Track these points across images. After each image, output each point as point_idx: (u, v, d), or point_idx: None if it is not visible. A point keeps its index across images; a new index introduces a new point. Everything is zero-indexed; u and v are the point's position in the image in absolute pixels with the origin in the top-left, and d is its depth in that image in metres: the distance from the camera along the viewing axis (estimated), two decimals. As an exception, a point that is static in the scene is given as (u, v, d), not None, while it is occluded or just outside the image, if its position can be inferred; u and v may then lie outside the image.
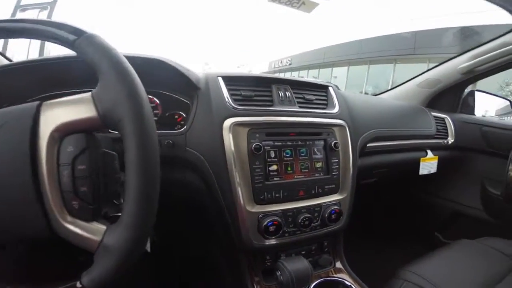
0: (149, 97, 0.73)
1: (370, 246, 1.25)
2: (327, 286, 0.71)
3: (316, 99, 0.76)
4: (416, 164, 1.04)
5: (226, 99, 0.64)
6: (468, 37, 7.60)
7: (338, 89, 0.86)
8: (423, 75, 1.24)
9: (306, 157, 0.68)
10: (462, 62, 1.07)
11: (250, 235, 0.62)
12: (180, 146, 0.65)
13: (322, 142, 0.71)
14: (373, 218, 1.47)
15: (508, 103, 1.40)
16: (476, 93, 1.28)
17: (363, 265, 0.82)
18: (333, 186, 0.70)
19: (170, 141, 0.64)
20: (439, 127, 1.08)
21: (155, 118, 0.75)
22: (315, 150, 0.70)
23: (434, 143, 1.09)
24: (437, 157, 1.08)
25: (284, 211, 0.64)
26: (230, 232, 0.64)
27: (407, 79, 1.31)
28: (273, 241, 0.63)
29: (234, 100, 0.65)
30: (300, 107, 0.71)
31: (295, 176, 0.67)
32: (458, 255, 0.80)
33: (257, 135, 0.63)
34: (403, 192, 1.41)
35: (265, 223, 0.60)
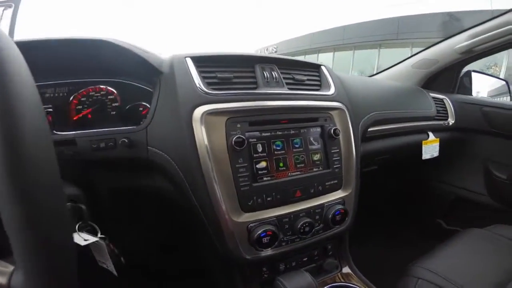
0: (105, 88, 0.62)
1: (372, 238, 1.18)
2: None
3: (308, 80, 0.64)
4: (418, 148, 0.97)
5: (197, 84, 0.51)
6: (449, 22, 7.80)
7: None
8: (418, 55, 1.17)
9: (301, 149, 0.56)
10: (460, 41, 1.03)
11: (240, 247, 0.51)
12: (141, 145, 0.53)
13: (319, 130, 0.59)
14: (374, 208, 1.41)
15: (503, 83, 1.38)
16: (473, 74, 1.24)
17: (368, 261, 0.75)
18: (336, 181, 0.59)
19: (126, 140, 0.52)
20: (438, 108, 1.03)
21: (113, 112, 0.63)
22: (311, 139, 0.58)
23: (435, 124, 1.02)
24: (438, 139, 1.01)
25: (279, 217, 0.52)
26: (216, 246, 0.53)
27: (392, 63, 1.29)
28: (268, 252, 0.53)
29: (208, 84, 0.53)
30: (290, 88, 0.60)
31: (290, 173, 0.55)
32: (470, 247, 0.75)
33: (239, 125, 0.51)
34: (403, 179, 1.36)
35: (257, 234, 0.49)
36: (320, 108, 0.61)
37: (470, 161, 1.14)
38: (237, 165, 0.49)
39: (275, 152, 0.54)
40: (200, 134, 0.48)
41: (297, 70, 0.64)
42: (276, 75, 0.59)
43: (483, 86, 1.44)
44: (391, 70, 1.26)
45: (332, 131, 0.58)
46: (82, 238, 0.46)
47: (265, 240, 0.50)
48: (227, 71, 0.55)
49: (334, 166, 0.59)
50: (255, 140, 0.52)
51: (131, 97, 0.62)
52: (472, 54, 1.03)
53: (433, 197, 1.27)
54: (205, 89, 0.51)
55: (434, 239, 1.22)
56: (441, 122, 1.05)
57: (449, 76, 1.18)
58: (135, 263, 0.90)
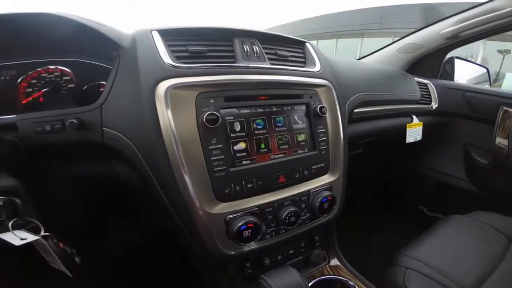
0: (58, 68, 0.56)
1: (354, 225, 1.17)
2: (323, 286, 0.57)
3: (292, 56, 0.58)
4: (402, 131, 0.97)
5: (162, 57, 0.44)
6: (429, 13, 8.09)
7: None
8: (403, 39, 1.17)
9: (285, 128, 0.50)
10: (446, 27, 1.03)
11: (217, 242, 0.44)
12: (94, 127, 0.45)
13: (303, 107, 0.53)
14: (358, 194, 1.43)
15: (484, 71, 1.41)
16: (456, 60, 1.25)
17: (352, 249, 0.74)
18: (322, 165, 0.54)
19: (75, 120, 0.44)
20: (422, 92, 1.04)
21: (69, 94, 0.56)
22: (296, 118, 0.52)
23: (419, 108, 1.02)
24: (422, 123, 1.01)
25: (261, 207, 0.46)
26: (191, 241, 0.47)
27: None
28: (251, 246, 0.47)
29: (177, 58, 0.45)
30: (272, 64, 0.53)
31: (272, 156, 0.48)
32: (453, 234, 0.76)
33: (212, 101, 0.43)
34: (386, 164, 1.36)
35: (237, 227, 0.43)
36: (305, 85, 0.55)
37: (452, 146, 1.15)
38: (210, 147, 0.42)
39: (256, 132, 0.47)
40: (165, 112, 0.41)
41: (280, 45, 0.58)
42: (257, 49, 0.52)
43: (464, 74, 1.48)
44: (377, 54, 1.25)
45: (318, 109, 0.52)
46: (18, 237, 0.38)
47: (246, 233, 0.43)
48: (200, 44, 0.48)
49: (321, 148, 0.54)
50: (232, 118, 0.45)
51: (90, 77, 0.56)
52: (457, 39, 1.04)
53: (415, 183, 1.28)
54: (172, 62, 0.44)
55: (417, 225, 1.25)
56: (425, 106, 1.05)
57: (433, 62, 1.18)
58: (109, 262, 0.83)
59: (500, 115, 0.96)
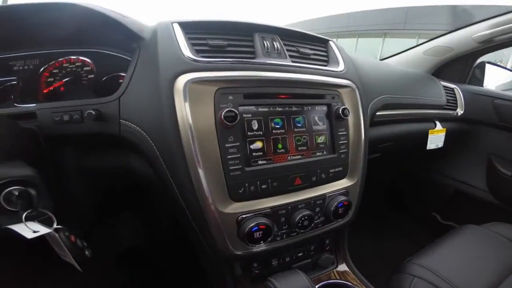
0: (80, 59, 0.56)
1: (366, 229, 1.15)
2: None
3: (314, 54, 0.55)
4: (423, 137, 0.93)
5: (182, 50, 0.43)
6: (459, 16, 7.67)
7: None
8: (431, 42, 1.11)
9: (304, 129, 0.48)
10: (479, 30, 0.99)
11: (227, 241, 0.44)
12: (112, 118, 0.45)
13: (325, 108, 0.51)
14: (371, 197, 1.40)
15: None
16: (487, 65, 1.18)
17: (361, 253, 0.73)
18: (341, 168, 0.52)
19: (93, 112, 0.43)
20: (448, 98, 0.99)
21: (88, 85, 0.56)
22: (316, 119, 0.50)
23: (444, 113, 0.97)
24: (445, 129, 0.97)
25: (274, 209, 0.45)
26: (200, 238, 0.46)
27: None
28: (261, 247, 0.46)
29: (196, 52, 0.44)
30: (293, 61, 0.51)
31: (289, 157, 0.47)
32: (466, 244, 0.73)
33: (231, 97, 0.42)
34: (403, 169, 1.32)
35: (248, 228, 0.42)
36: (328, 85, 0.52)
37: (474, 155, 1.10)
38: (226, 145, 0.41)
39: (273, 131, 0.45)
40: (183, 107, 0.40)
41: (302, 43, 0.55)
42: (278, 45, 0.51)
43: (495, 80, 1.41)
44: (401, 56, 1.20)
45: (340, 111, 0.50)
46: (30, 230, 0.38)
47: (257, 234, 0.43)
48: (221, 38, 0.47)
49: (340, 151, 0.52)
50: (250, 115, 0.44)
51: (110, 68, 0.56)
52: (492, 44, 0.99)
53: (431, 189, 1.24)
54: (192, 56, 0.43)
55: (429, 233, 1.22)
56: (450, 112, 1.00)
57: (461, 66, 1.13)
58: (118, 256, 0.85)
59: (531, 125, 0.91)
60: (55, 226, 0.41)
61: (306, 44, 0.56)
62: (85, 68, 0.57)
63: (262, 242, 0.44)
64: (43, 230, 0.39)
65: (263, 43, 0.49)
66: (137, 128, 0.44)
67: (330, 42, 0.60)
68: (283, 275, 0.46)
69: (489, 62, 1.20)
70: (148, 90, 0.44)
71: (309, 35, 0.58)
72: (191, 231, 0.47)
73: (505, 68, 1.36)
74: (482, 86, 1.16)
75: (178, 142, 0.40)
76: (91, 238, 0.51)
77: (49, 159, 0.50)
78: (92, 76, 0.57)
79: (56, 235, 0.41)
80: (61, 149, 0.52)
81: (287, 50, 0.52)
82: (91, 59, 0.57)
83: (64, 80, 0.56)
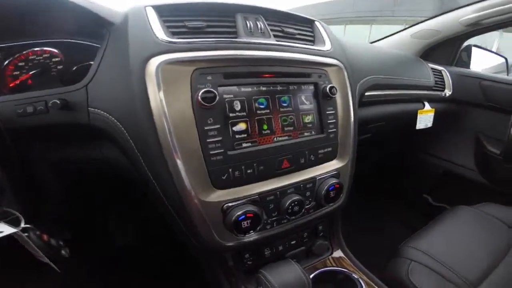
0: (46, 50, 0.54)
1: (358, 212, 1.15)
2: (325, 278, 0.55)
3: (299, 34, 0.53)
4: (413, 117, 0.94)
5: (155, 32, 0.40)
6: (444, 2, 7.78)
7: None
8: (419, 25, 1.12)
9: (290, 109, 0.46)
10: (466, 14, 0.99)
11: (213, 233, 0.41)
12: (79, 107, 0.42)
13: (312, 87, 0.49)
14: (362, 180, 1.42)
15: (502, 61, 1.35)
16: (473, 48, 1.20)
17: (355, 237, 0.72)
18: (330, 149, 0.50)
19: (58, 101, 0.40)
20: (436, 79, 1.00)
21: (58, 76, 0.54)
22: (303, 98, 0.47)
23: (432, 94, 0.99)
24: (434, 109, 0.98)
25: (262, 195, 0.43)
26: (185, 232, 0.44)
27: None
28: (251, 237, 0.44)
29: (172, 34, 0.41)
30: (278, 41, 0.48)
31: (275, 138, 0.44)
32: (460, 226, 0.74)
33: (209, 78, 0.39)
34: (393, 150, 1.34)
35: (234, 217, 0.39)
36: (314, 63, 0.50)
37: (462, 135, 1.12)
38: (205, 128, 0.38)
39: (258, 112, 0.43)
40: (156, 90, 0.37)
41: (287, 23, 0.53)
42: (262, 25, 0.48)
43: (481, 62, 1.44)
44: (389, 39, 1.21)
45: (328, 89, 0.48)
46: None
47: (245, 223, 0.40)
48: (200, 20, 0.43)
49: (329, 131, 0.50)
50: (231, 96, 0.41)
51: (80, 58, 0.54)
52: (478, 27, 1.00)
53: (421, 170, 1.26)
54: (166, 38, 0.40)
55: (422, 215, 1.24)
56: (439, 93, 1.01)
57: (448, 49, 1.15)
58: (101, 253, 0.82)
59: (518, 105, 0.93)
60: (22, 225, 0.38)
61: (291, 24, 0.53)
62: (53, 59, 0.54)
63: (251, 231, 0.41)
64: (8, 230, 0.36)
65: (246, 23, 0.46)
66: (108, 115, 0.41)
67: (316, 22, 0.58)
68: (275, 266, 0.44)
69: (475, 45, 1.21)
70: (118, 76, 0.40)
71: (294, 15, 0.55)
72: (175, 225, 0.44)
73: (491, 51, 1.38)
74: (469, 69, 1.18)
75: (151, 127, 0.37)
76: (76, 238, 0.48)
77: (14, 155, 0.46)
78: (61, 67, 0.54)
79: (23, 235, 0.38)
80: (27, 143, 0.49)
81: (271, 30, 0.49)
82: (59, 49, 0.54)
83: (31, 73, 0.53)
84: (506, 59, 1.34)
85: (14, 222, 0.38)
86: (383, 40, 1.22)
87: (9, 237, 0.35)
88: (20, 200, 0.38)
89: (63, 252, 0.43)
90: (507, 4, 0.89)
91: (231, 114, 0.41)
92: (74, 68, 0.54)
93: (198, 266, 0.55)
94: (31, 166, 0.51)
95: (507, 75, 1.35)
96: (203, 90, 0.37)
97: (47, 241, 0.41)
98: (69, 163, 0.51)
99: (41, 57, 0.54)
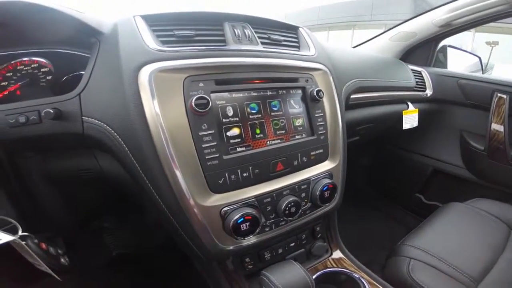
0: (35, 60, 0.54)
1: (352, 214, 1.19)
2: (327, 279, 0.57)
3: (285, 40, 0.57)
4: (399, 118, 0.99)
5: (146, 41, 0.42)
6: (419, 4, 8.40)
7: None
8: (396, 28, 1.19)
9: (281, 113, 0.49)
10: (438, 15, 1.07)
11: (213, 237, 0.43)
12: (73, 116, 0.43)
13: (299, 92, 0.52)
14: (354, 182, 1.44)
15: (476, 60, 1.47)
16: (449, 49, 1.29)
17: (353, 238, 0.74)
18: (321, 150, 0.53)
19: (51, 110, 0.41)
20: (417, 80, 1.07)
21: (47, 86, 0.55)
22: (292, 102, 0.51)
23: (414, 95, 1.05)
24: (417, 109, 1.04)
25: (259, 197, 0.45)
26: (185, 238, 0.45)
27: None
28: (250, 240, 0.46)
29: (162, 43, 0.43)
30: (265, 47, 0.52)
31: (268, 142, 0.47)
32: (454, 222, 0.77)
33: (201, 85, 0.42)
34: (383, 152, 1.39)
35: (233, 220, 0.41)
36: (301, 68, 0.54)
37: (448, 133, 1.18)
38: (200, 133, 0.40)
39: (250, 117, 0.45)
40: (149, 99, 0.39)
41: (273, 30, 0.57)
42: (249, 33, 0.51)
43: (456, 62, 1.55)
44: (370, 42, 1.27)
45: (315, 92, 0.52)
46: None
47: (244, 226, 0.42)
48: (188, 28, 0.46)
49: (319, 133, 0.53)
50: (223, 102, 0.43)
51: (69, 68, 0.55)
52: (450, 28, 1.07)
53: (411, 170, 1.31)
54: (157, 47, 0.42)
55: (415, 214, 1.29)
56: (420, 93, 1.08)
57: (426, 50, 1.22)
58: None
59: (495, 102, 1.00)
60: (20, 233, 0.39)
61: (277, 31, 0.58)
62: (42, 70, 0.55)
63: (250, 234, 0.43)
64: (6, 238, 0.37)
65: (234, 31, 0.50)
66: (102, 124, 0.42)
67: (300, 28, 0.63)
68: (277, 266, 0.46)
69: (450, 46, 1.29)
70: (111, 84, 0.42)
71: (280, 22, 0.60)
72: (175, 232, 0.45)
73: (465, 50, 1.49)
74: (446, 68, 1.26)
75: (147, 134, 0.39)
76: (74, 246, 0.48)
77: (8, 165, 0.46)
78: (50, 77, 0.55)
79: (22, 242, 0.38)
80: (22, 154, 0.49)
81: (258, 37, 0.53)
82: (48, 59, 0.55)
83: (19, 83, 0.54)
84: (479, 58, 1.45)
85: (11, 231, 0.39)
86: (363, 44, 1.29)
87: (8, 245, 0.36)
88: (16, 209, 0.39)
89: (62, 260, 0.44)
90: (474, 4, 0.96)
91: (224, 120, 0.43)
92: (64, 78, 0.56)
93: (200, 275, 0.56)
94: (25, 177, 0.51)
95: (482, 73, 1.47)
96: (196, 97, 0.40)
97: (46, 249, 0.41)
98: (65, 173, 0.52)
99: (30, 67, 0.55)
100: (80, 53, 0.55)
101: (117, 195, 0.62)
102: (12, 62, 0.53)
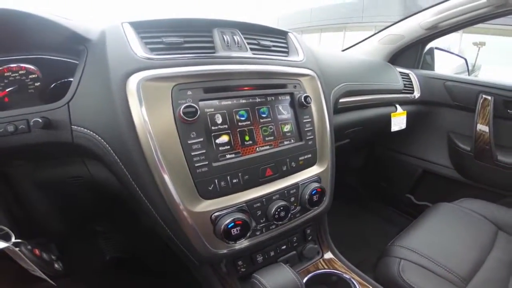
0: (23, 67, 0.54)
1: (344, 216, 1.21)
2: (319, 280, 0.59)
3: (274, 46, 0.58)
4: (387, 120, 1.02)
5: (134, 48, 0.43)
6: (408, 5, 8.64)
7: None
8: (384, 31, 1.22)
9: (269, 119, 0.50)
10: (425, 18, 1.09)
11: (205, 242, 0.44)
12: (62, 125, 0.44)
13: (288, 98, 0.54)
14: (345, 184, 1.46)
15: (462, 62, 1.52)
16: (435, 51, 1.32)
17: (342, 240, 0.76)
18: (310, 156, 0.55)
19: (40, 119, 0.41)
20: (405, 82, 1.09)
21: (35, 93, 0.54)
22: (280, 108, 0.52)
23: (402, 97, 1.08)
24: (405, 112, 1.07)
25: (249, 202, 0.46)
26: (177, 243, 0.46)
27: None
28: (242, 244, 0.47)
29: (150, 50, 0.44)
30: (254, 54, 0.53)
31: (258, 148, 0.48)
32: (443, 223, 0.79)
33: (189, 93, 0.43)
34: (373, 154, 1.42)
35: (224, 225, 0.42)
36: (289, 74, 0.55)
37: (436, 134, 1.21)
38: (189, 141, 0.41)
39: (239, 124, 0.47)
40: (138, 107, 0.39)
41: (262, 35, 0.58)
42: (239, 39, 0.53)
43: (443, 64, 1.60)
44: (359, 45, 1.30)
45: (302, 98, 0.53)
46: None
47: (234, 231, 0.43)
48: (177, 35, 0.47)
49: (307, 138, 0.55)
50: (212, 110, 0.44)
51: (58, 75, 0.55)
52: (437, 30, 1.10)
53: (401, 172, 1.35)
54: (145, 54, 0.43)
55: (407, 214, 1.32)
56: (408, 95, 1.11)
57: (413, 52, 1.25)
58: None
59: (480, 103, 1.03)
60: (13, 240, 0.39)
61: (266, 36, 0.59)
62: (30, 76, 0.55)
63: (242, 238, 0.45)
64: (0, 244, 0.37)
65: (223, 37, 0.51)
66: (92, 133, 0.42)
67: (289, 33, 0.64)
68: (267, 269, 0.47)
69: (437, 48, 1.33)
70: (100, 93, 0.42)
71: (269, 28, 0.61)
72: (167, 237, 0.46)
73: (452, 52, 1.54)
74: (433, 70, 1.29)
75: (136, 143, 0.39)
76: (67, 251, 0.49)
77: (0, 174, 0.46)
78: (39, 84, 0.55)
79: (16, 249, 0.39)
80: (12, 163, 0.49)
81: (248, 43, 0.54)
82: (36, 66, 0.55)
83: (7, 90, 0.53)
84: (465, 59, 1.50)
85: (4, 238, 0.39)
86: (353, 47, 1.31)
87: (1, 252, 0.36)
88: (8, 216, 0.39)
89: (56, 265, 0.44)
90: (460, 7, 0.99)
91: (213, 127, 0.44)
92: (53, 85, 0.55)
93: (195, 280, 0.57)
94: (16, 185, 0.51)
95: (468, 74, 1.52)
96: (184, 105, 0.41)
97: (40, 255, 0.42)
98: (55, 181, 0.52)
99: (17, 74, 0.54)
100: (69, 60, 0.55)
101: (109, 199, 0.62)
102: (0, 68, 0.53)
